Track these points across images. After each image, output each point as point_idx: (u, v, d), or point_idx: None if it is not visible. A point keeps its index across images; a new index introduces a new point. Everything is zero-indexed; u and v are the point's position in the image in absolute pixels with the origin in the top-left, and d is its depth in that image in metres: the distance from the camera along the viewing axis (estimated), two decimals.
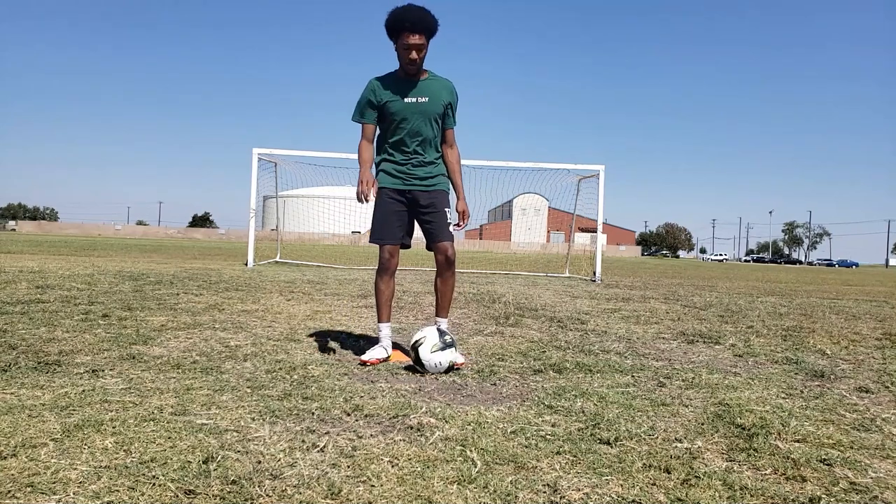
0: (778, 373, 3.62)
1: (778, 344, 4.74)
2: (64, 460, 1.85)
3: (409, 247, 3.62)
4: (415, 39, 3.28)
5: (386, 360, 3.49)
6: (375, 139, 3.60)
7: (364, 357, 3.44)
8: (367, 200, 3.38)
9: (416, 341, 3.29)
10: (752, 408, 2.73)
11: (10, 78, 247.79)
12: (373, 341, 4.18)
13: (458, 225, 3.63)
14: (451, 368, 3.30)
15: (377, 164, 3.60)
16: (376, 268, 3.59)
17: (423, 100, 3.45)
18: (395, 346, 3.80)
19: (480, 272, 14.88)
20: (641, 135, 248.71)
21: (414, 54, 3.32)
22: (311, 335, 4.30)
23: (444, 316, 3.72)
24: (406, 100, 3.43)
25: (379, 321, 3.63)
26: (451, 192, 3.68)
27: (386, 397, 2.73)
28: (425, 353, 3.24)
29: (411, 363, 3.34)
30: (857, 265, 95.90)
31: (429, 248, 3.58)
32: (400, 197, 3.52)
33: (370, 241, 3.54)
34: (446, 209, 3.57)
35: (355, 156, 15.08)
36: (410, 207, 3.55)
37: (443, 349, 3.25)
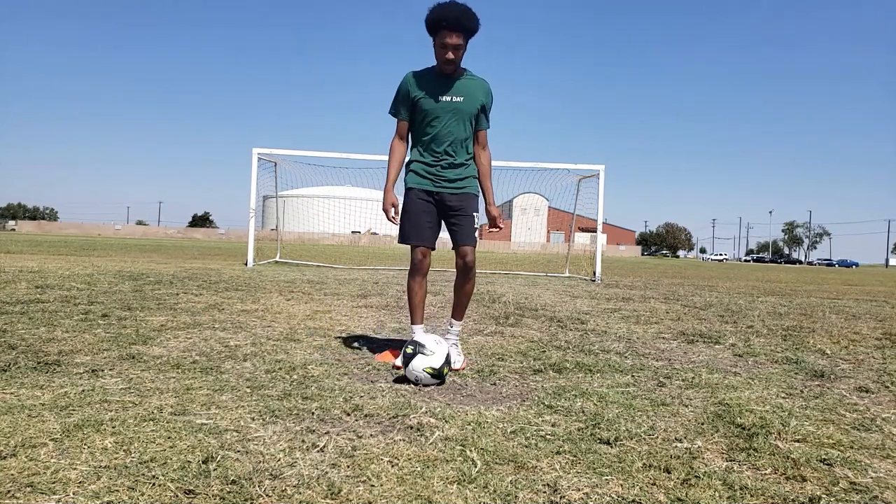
0: (778, 373, 3.62)
1: (778, 344, 4.74)
2: (64, 460, 1.85)
3: (434, 248, 3.54)
4: (453, 39, 3.21)
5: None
6: (409, 135, 3.55)
7: (397, 361, 3.31)
8: (393, 223, 3.46)
9: (406, 355, 3.01)
10: (752, 408, 2.73)
11: (10, 78, 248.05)
12: (373, 341, 4.18)
13: (494, 228, 3.54)
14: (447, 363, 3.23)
15: (408, 165, 3.55)
16: (408, 269, 3.51)
17: (458, 99, 3.37)
18: (392, 345, 3.80)
19: (480, 272, 14.87)
20: (641, 135, 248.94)
21: (451, 54, 3.25)
22: (311, 335, 4.30)
23: (459, 318, 3.64)
24: (441, 98, 3.36)
25: (412, 323, 3.56)
26: (480, 195, 3.61)
27: (386, 397, 2.73)
28: (420, 363, 2.97)
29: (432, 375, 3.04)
30: (857, 265, 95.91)
31: (454, 248, 3.57)
32: (428, 197, 3.47)
33: (399, 242, 3.49)
34: (475, 213, 3.52)
35: (355, 156, 14.91)
36: (439, 209, 3.50)
37: (412, 356, 2.99)
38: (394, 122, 3.54)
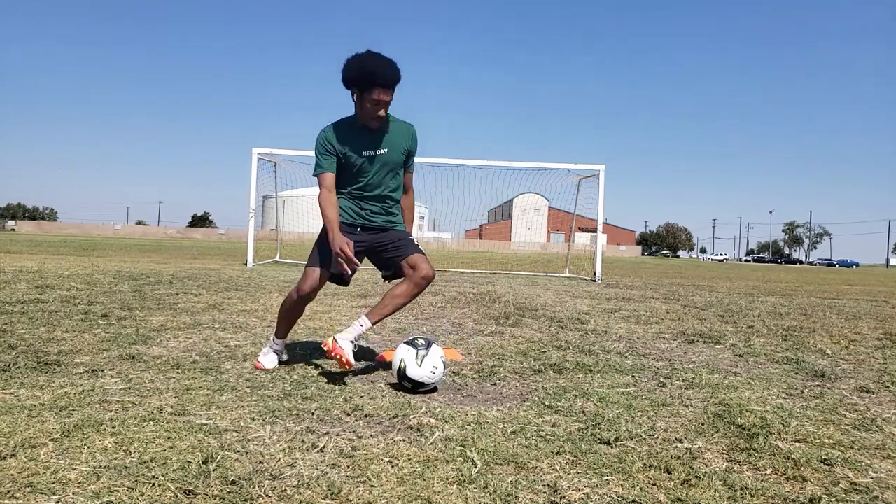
0: (778, 373, 3.62)
1: (778, 344, 4.74)
2: (63, 460, 1.85)
3: (346, 284, 3.30)
4: (387, 96, 3.05)
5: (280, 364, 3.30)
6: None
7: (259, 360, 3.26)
8: (352, 264, 3.00)
9: (400, 370, 2.87)
10: (752, 408, 2.73)
11: (10, 78, 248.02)
12: (373, 341, 4.18)
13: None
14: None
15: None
16: (298, 287, 3.21)
17: (383, 152, 3.18)
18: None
19: (480, 272, 14.87)
20: (641, 135, 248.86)
21: (383, 111, 3.09)
22: (310, 335, 4.30)
23: (374, 320, 3.16)
24: (364, 153, 3.16)
25: (276, 336, 3.35)
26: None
27: (386, 397, 2.73)
28: (415, 371, 2.84)
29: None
30: (857, 265, 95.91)
31: (396, 274, 3.31)
32: (352, 230, 3.23)
33: (307, 266, 3.20)
34: (409, 236, 3.31)
35: None
36: (365, 247, 3.27)
37: (427, 353, 2.88)
38: None
